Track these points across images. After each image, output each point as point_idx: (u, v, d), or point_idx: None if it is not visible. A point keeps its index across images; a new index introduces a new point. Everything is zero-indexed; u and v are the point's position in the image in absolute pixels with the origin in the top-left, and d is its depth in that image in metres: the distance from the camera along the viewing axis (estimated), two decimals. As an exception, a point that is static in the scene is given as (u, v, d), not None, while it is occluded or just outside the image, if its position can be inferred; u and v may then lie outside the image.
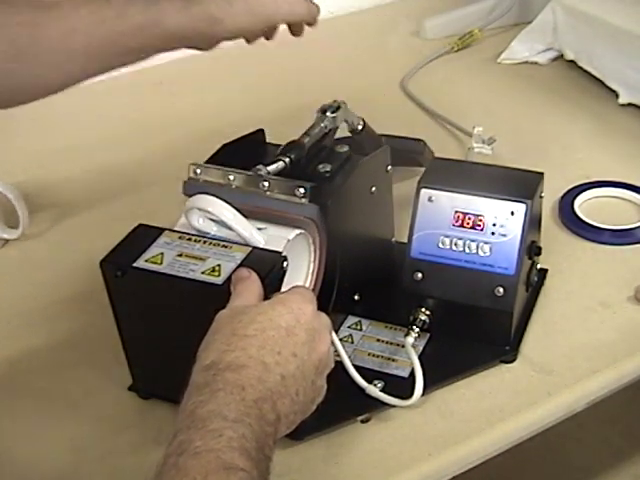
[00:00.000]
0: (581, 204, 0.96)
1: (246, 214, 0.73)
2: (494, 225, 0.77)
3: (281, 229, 0.73)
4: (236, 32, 0.81)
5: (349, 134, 0.88)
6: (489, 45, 1.32)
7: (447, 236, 0.78)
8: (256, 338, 0.59)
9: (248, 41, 0.85)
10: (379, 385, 0.74)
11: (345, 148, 0.80)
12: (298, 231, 0.73)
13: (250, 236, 0.72)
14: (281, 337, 0.60)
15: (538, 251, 0.81)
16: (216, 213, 0.72)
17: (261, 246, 0.71)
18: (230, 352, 0.58)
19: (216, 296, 0.65)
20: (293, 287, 0.66)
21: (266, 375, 0.58)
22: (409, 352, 0.76)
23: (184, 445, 0.52)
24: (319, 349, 0.62)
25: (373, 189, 0.81)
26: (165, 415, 0.72)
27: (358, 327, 0.81)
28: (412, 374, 0.75)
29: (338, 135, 0.84)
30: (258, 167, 0.75)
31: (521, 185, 0.79)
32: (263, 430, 0.55)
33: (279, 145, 0.79)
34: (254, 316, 0.61)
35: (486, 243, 0.77)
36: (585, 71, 1.19)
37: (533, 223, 0.79)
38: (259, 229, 0.73)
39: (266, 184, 0.74)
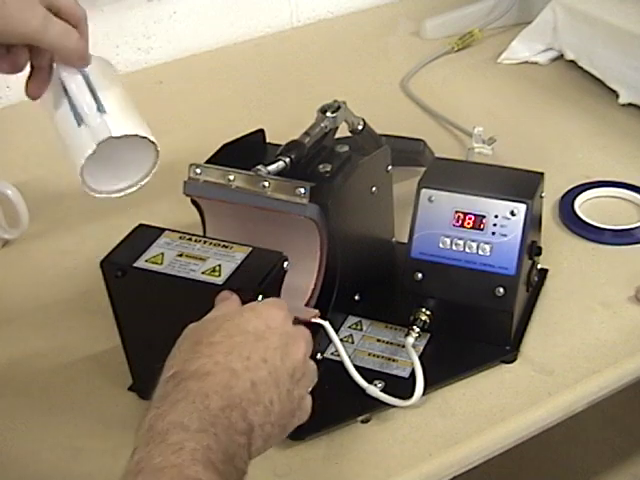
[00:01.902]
0: (581, 204, 0.96)
1: (246, 214, 0.73)
2: (494, 225, 0.77)
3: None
4: None
5: (349, 134, 0.88)
6: (489, 45, 1.32)
7: (447, 236, 0.78)
8: (223, 344, 0.56)
9: None
10: (379, 385, 0.74)
11: (345, 148, 0.80)
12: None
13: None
14: (250, 342, 0.57)
15: (538, 251, 0.81)
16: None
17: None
18: (195, 360, 0.55)
19: (216, 296, 0.65)
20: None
21: (234, 381, 0.54)
22: (409, 352, 0.76)
23: (142, 463, 0.49)
24: (293, 356, 0.59)
25: (373, 189, 0.81)
26: (165, 415, 0.72)
27: (358, 327, 0.81)
28: (412, 374, 0.75)
29: (338, 135, 0.84)
30: (258, 167, 0.75)
31: (521, 185, 0.79)
32: (232, 440, 0.52)
33: (279, 145, 0.79)
34: (221, 323, 0.59)
35: (486, 243, 0.77)
36: (585, 71, 1.19)
37: (533, 223, 0.79)
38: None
39: (266, 184, 0.74)
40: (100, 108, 0.73)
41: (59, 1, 0.71)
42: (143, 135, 0.73)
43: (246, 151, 0.80)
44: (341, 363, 0.73)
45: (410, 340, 0.77)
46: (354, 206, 0.79)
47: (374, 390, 0.73)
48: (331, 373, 0.76)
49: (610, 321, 0.82)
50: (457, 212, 0.78)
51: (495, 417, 0.73)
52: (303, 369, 0.60)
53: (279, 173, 0.75)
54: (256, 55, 1.36)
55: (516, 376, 0.77)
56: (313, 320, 0.72)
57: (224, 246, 0.70)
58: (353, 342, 0.80)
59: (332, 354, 0.78)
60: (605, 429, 1.39)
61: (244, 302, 0.63)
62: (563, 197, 0.97)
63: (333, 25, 1.42)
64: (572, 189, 0.98)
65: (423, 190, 0.79)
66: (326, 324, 0.71)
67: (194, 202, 0.79)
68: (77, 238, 0.99)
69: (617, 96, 1.13)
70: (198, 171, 0.76)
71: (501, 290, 0.76)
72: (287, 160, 0.76)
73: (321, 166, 0.77)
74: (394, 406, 0.73)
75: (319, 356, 0.78)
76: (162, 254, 0.69)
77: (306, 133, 0.79)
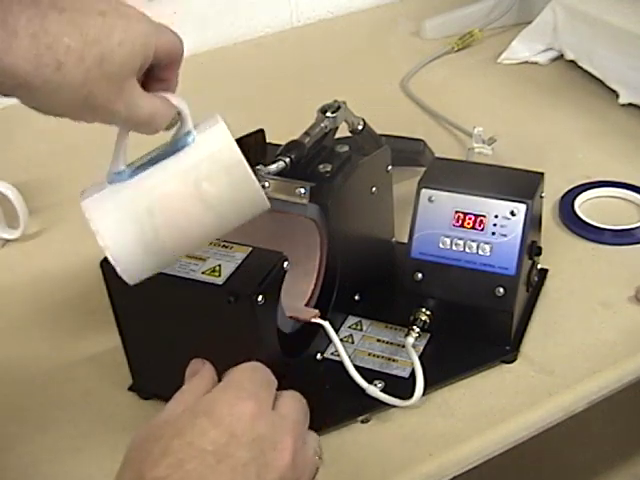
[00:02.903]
0: (581, 204, 0.96)
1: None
2: (494, 225, 0.77)
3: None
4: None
5: (349, 134, 0.88)
6: (489, 45, 1.32)
7: (447, 236, 0.78)
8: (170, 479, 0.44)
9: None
10: (379, 385, 0.74)
11: (345, 148, 0.80)
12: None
13: None
14: (208, 467, 0.44)
15: (538, 251, 0.81)
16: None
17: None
18: None
19: (216, 296, 0.65)
20: (229, 372, 0.52)
21: None
22: (409, 352, 0.76)
23: None
24: (276, 463, 0.46)
25: (373, 189, 0.81)
26: (165, 415, 0.72)
27: (358, 327, 0.81)
28: (412, 374, 0.75)
29: (338, 135, 0.84)
30: (258, 167, 0.75)
31: (521, 185, 0.79)
32: None
33: (279, 145, 0.79)
34: (168, 442, 0.46)
35: (486, 243, 0.77)
36: (585, 71, 1.19)
37: (533, 223, 0.79)
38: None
39: (266, 184, 0.74)
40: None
41: (159, 39, 0.56)
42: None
43: (246, 151, 0.80)
44: (341, 363, 0.73)
45: (410, 340, 0.77)
46: (354, 206, 0.79)
47: (374, 390, 0.73)
48: (331, 373, 0.76)
49: (610, 321, 0.82)
50: (457, 212, 0.78)
51: (495, 417, 0.73)
52: (294, 473, 0.48)
53: (279, 173, 0.75)
54: (256, 55, 1.36)
55: (516, 376, 0.77)
56: (313, 320, 0.72)
57: (224, 246, 0.70)
58: (353, 342, 0.80)
59: (332, 354, 0.78)
60: (605, 429, 1.39)
61: (241, 310, 0.61)
62: (563, 197, 0.97)
63: (333, 25, 1.42)
64: (572, 189, 0.98)
65: (423, 190, 0.79)
66: (326, 324, 0.72)
67: (194, 202, 0.79)
68: (77, 238, 0.98)
69: (617, 96, 1.13)
70: (198, 171, 0.76)
71: (501, 290, 0.76)
72: (287, 160, 0.76)
73: (321, 166, 0.77)
74: (394, 406, 0.73)
75: (319, 356, 0.78)
76: None
77: (306, 133, 0.79)
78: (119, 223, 0.58)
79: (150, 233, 0.58)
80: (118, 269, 0.58)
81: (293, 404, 0.53)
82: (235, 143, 0.60)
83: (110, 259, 0.58)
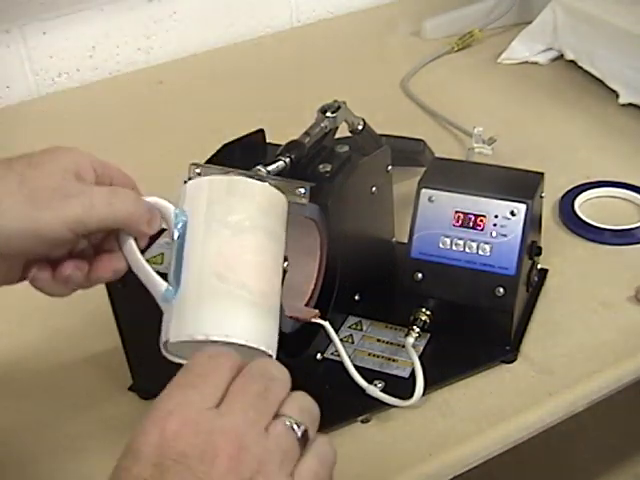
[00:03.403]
0: (581, 204, 0.96)
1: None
2: (494, 225, 0.77)
3: None
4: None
5: (349, 134, 0.87)
6: (489, 45, 1.32)
7: (447, 236, 0.78)
8: None
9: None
10: (379, 385, 0.74)
11: (345, 148, 0.80)
12: None
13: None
14: None
15: (538, 251, 0.81)
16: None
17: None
18: None
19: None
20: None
21: None
22: (409, 352, 0.76)
23: None
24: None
25: (373, 189, 0.81)
26: (165, 415, 0.72)
27: (358, 327, 0.81)
28: (412, 374, 0.75)
29: (338, 135, 0.84)
30: (258, 167, 0.75)
31: (521, 185, 0.79)
32: None
33: (279, 145, 0.79)
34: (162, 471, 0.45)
35: (486, 243, 0.77)
36: (585, 71, 1.19)
37: (533, 223, 0.79)
38: None
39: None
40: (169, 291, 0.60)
41: (110, 172, 0.63)
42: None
43: (246, 151, 0.80)
44: (341, 363, 0.73)
45: (410, 340, 0.77)
46: (354, 206, 0.79)
47: (374, 390, 0.73)
48: (331, 373, 0.76)
49: (610, 321, 0.82)
50: (457, 212, 0.78)
51: (495, 417, 0.73)
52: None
53: (279, 173, 0.75)
54: (256, 55, 1.36)
55: (516, 376, 0.77)
56: (313, 320, 0.72)
57: (224, 246, 0.69)
58: (353, 342, 0.80)
59: (332, 354, 0.78)
60: (605, 429, 1.39)
61: None
62: (563, 197, 0.97)
63: (333, 25, 1.42)
64: (572, 189, 0.98)
65: (423, 190, 0.79)
66: (326, 324, 0.71)
67: (194, 202, 0.79)
68: (77, 238, 0.99)
69: (617, 96, 1.13)
70: (198, 171, 0.76)
71: (501, 290, 0.76)
72: (287, 160, 0.76)
73: (321, 166, 0.77)
74: (394, 406, 0.73)
75: (319, 356, 0.78)
76: (162, 254, 0.69)
77: (306, 133, 0.79)
78: (220, 313, 0.58)
79: (243, 292, 0.58)
80: (270, 351, 0.58)
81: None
82: (212, 177, 0.62)
83: (261, 348, 0.58)
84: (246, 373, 0.51)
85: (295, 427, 0.50)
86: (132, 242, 0.61)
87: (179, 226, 0.60)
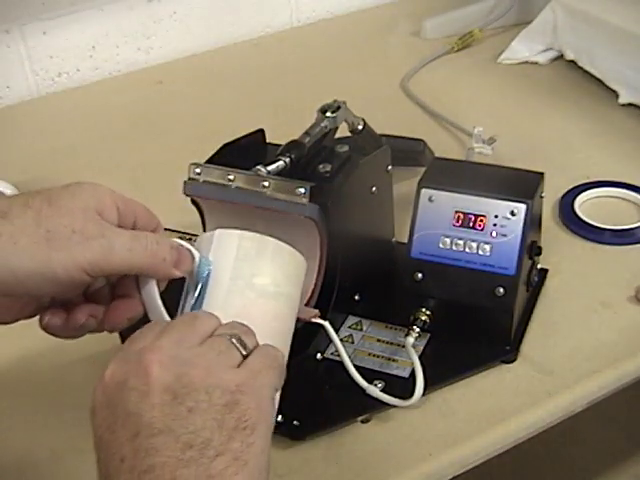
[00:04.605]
0: (581, 204, 0.96)
1: (246, 214, 0.73)
2: (494, 225, 0.77)
3: None
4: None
5: (349, 134, 0.88)
6: (489, 45, 1.32)
7: (447, 236, 0.78)
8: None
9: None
10: (379, 385, 0.74)
11: (345, 148, 0.80)
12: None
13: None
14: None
15: (538, 251, 0.81)
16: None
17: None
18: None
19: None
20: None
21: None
22: (409, 352, 0.76)
23: None
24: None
25: (373, 189, 0.81)
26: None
27: (358, 327, 0.81)
28: (412, 374, 0.75)
29: (338, 135, 0.84)
30: (258, 167, 0.75)
31: (521, 185, 0.79)
32: None
33: (279, 145, 0.79)
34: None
35: (486, 243, 0.77)
36: (585, 71, 1.19)
37: (533, 223, 0.79)
38: None
39: (266, 184, 0.74)
40: None
41: (133, 208, 0.60)
42: None
43: (246, 151, 0.80)
44: (341, 363, 0.73)
45: (410, 340, 0.77)
46: (354, 206, 0.79)
47: (374, 390, 0.73)
48: (331, 373, 0.76)
49: (610, 321, 0.82)
50: (457, 212, 0.78)
51: (495, 417, 0.73)
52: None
53: (279, 173, 0.75)
54: (256, 55, 1.36)
55: (516, 376, 0.77)
56: (313, 320, 0.72)
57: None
58: (353, 342, 0.80)
59: (332, 354, 0.78)
60: (605, 429, 1.39)
61: None
62: (563, 197, 0.97)
63: (333, 25, 1.42)
64: (572, 189, 0.98)
65: (423, 190, 0.79)
66: (326, 324, 0.71)
67: (194, 202, 0.79)
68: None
69: (617, 96, 1.13)
70: (198, 171, 0.76)
71: (501, 290, 0.76)
72: (287, 160, 0.76)
73: (321, 166, 0.77)
74: (394, 406, 0.73)
75: (319, 356, 0.78)
76: None
77: (306, 133, 0.79)
78: None
79: None
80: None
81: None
82: (243, 232, 0.60)
83: None
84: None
85: (230, 338, 0.54)
86: (154, 285, 0.59)
87: (204, 274, 0.59)
